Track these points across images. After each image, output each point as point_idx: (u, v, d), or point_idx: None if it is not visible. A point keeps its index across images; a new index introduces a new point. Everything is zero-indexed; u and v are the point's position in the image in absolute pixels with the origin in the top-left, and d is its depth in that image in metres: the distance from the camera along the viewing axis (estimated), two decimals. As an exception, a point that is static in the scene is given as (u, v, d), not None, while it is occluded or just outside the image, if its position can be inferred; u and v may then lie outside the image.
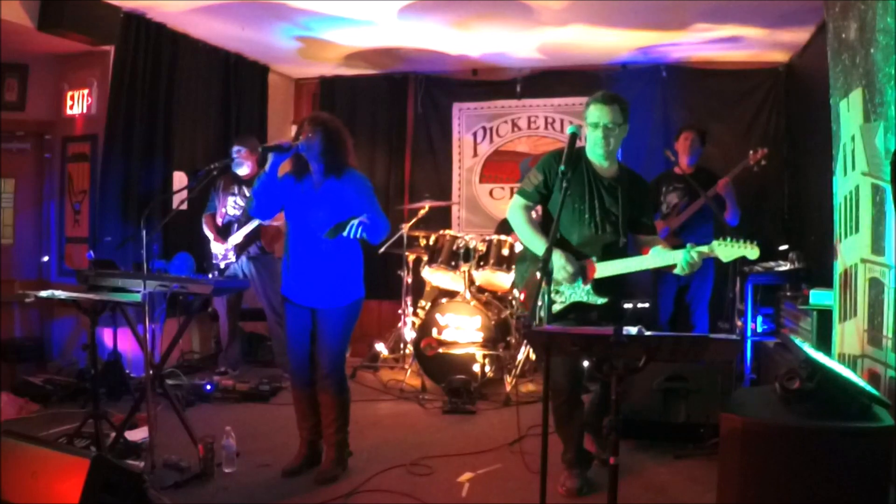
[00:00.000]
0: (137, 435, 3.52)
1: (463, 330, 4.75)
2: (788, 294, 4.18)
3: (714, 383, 3.50)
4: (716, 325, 5.12)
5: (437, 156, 6.57)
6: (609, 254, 2.99)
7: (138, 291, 3.26)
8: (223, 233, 5.06)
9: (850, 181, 3.02)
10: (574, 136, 2.74)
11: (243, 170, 5.00)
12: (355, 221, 2.98)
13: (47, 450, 2.46)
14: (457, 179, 6.57)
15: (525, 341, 4.74)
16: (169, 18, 5.06)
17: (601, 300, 2.97)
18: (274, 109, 6.55)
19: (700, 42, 5.35)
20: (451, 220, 6.47)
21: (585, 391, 3.30)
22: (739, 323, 4.62)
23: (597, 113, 2.96)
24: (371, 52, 5.88)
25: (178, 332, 3.66)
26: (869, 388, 2.38)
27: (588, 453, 3.20)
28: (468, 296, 4.87)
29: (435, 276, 5.22)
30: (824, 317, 3.47)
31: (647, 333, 2.00)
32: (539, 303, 2.55)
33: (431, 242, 5.15)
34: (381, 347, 5.58)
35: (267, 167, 3.14)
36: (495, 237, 4.98)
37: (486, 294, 5.13)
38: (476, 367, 4.68)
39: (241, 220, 4.98)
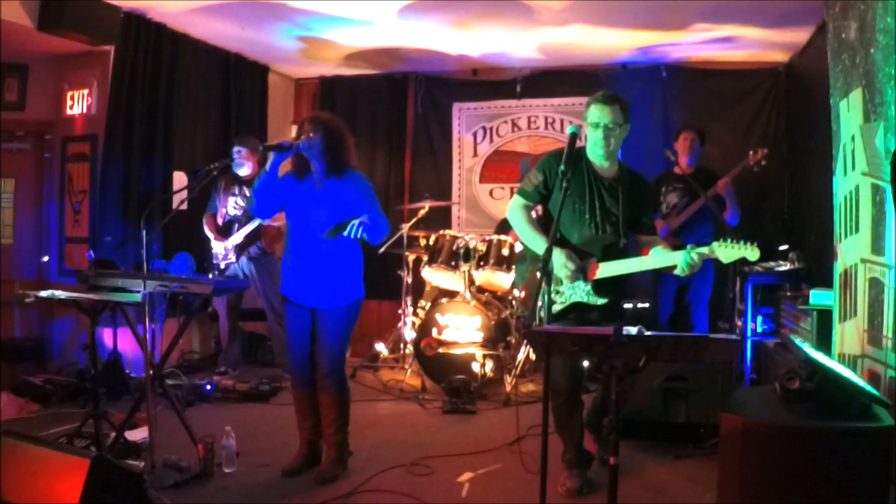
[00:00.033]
0: (137, 435, 3.52)
1: (463, 330, 4.75)
2: (788, 294, 4.18)
3: (714, 383, 3.50)
4: (716, 325, 5.12)
5: (437, 156, 6.57)
6: (609, 254, 2.99)
7: (138, 291, 3.26)
8: (224, 232, 5.06)
9: (850, 181, 3.02)
10: (574, 136, 2.74)
11: (244, 170, 5.00)
12: (356, 222, 2.98)
13: (47, 450, 2.46)
14: (457, 179, 6.57)
15: (525, 341, 4.74)
16: (169, 18, 5.06)
17: (601, 300, 2.97)
18: (274, 109, 6.55)
19: (700, 42, 5.35)
20: (451, 220, 6.47)
21: (585, 391, 3.30)
22: (739, 323, 4.62)
23: (597, 113, 2.96)
24: (371, 52, 5.88)
25: (178, 332, 3.66)
26: (869, 388, 2.38)
27: (588, 453, 3.20)
28: (468, 296, 4.87)
29: (435, 276, 5.22)
30: (824, 317, 3.47)
31: (647, 333, 2.00)
32: (539, 303, 2.55)
33: (431, 242, 5.15)
34: (381, 347, 5.58)
35: (267, 166, 3.14)
36: (495, 237, 4.98)
37: (486, 294, 5.13)
38: (476, 367, 4.68)
39: (242, 221, 4.99)
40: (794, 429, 2.24)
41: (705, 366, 3.52)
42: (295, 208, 3.23)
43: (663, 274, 4.74)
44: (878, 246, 2.73)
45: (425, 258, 5.12)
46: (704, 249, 2.75)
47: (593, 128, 2.98)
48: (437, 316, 4.82)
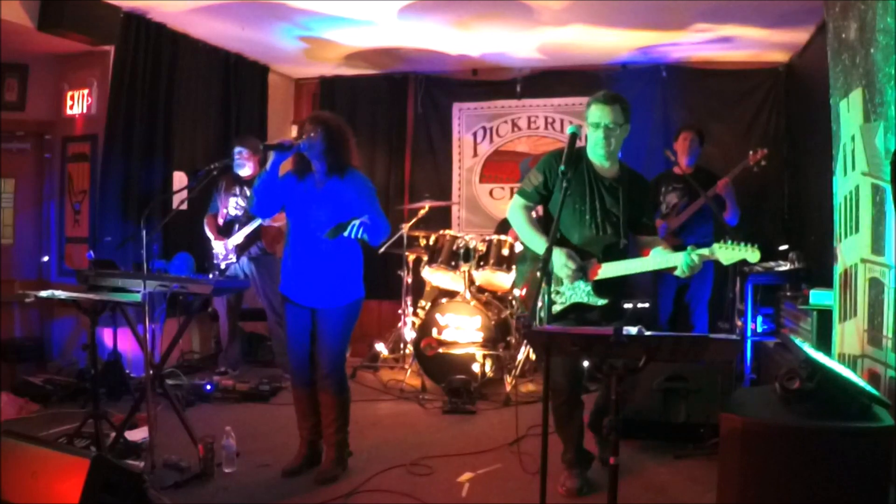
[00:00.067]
0: (137, 435, 3.52)
1: (463, 330, 4.75)
2: (788, 294, 4.18)
3: (714, 383, 3.49)
4: (716, 324, 5.12)
5: (437, 156, 6.58)
6: (610, 255, 2.98)
7: (138, 291, 3.26)
8: (224, 233, 5.06)
9: (850, 181, 3.02)
10: (574, 136, 2.73)
11: (245, 170, 5.00)
12: (356, 222, 2.98)
13: (47, 450, 2.46)
14: (457, 179, 6.57)
15: (525, 341, 4.74)
16: (169, 18, 5.06)
17: (601, 301, 2.96)
18: (274, 109, 6.55)
19: (700, 42, 5.35)
20: (451, 220, 6.47)
21: (585, 391, 3.30)
22: (739, 323, 4.62)
23: (598, 113, 2.95)
24: (371, 52, 5.88)
25: (178, 332, 3.66)
26: (869, 388, 2.38)
27: (588, 453, 3.20)
28: (468, 296, 4.87)
29: (435, 276, 5.22)
30: (824, 317, 3.47)
31: (647, 333, 2.00)
32: (539, 303, 2.55)
33: (431, 242, 5.15)
34: (381, 347, 5.58)
35: (268, 166, 3.14)
36: (495, 237, 4.98)
37: (486, 294, 5.13)
38: (476, 367, 4.68)
39: (243, 221, 4.99)
40: (794, 429, 2.24)
41: (705, 366, 3.52)
42: (295, 208, 3.23)
43: (663, 274, 4.74)
44: (878, 246, 2.73)
45: (425, 258, 5.12)
46: (705, 251, 2.75)
47: (594, 128, 2.98)
48: (437, 316, 4.82)
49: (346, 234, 2.97)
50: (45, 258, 5.34)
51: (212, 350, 5.71)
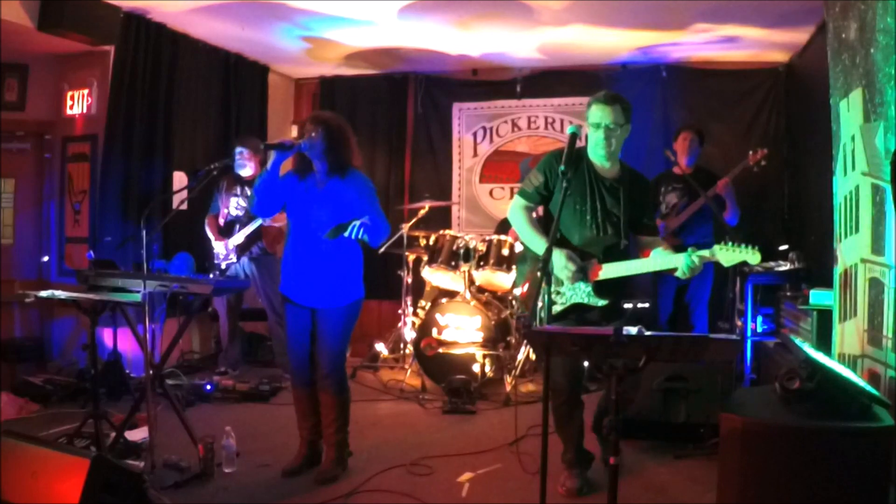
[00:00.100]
0: (137, 435, 3.52)
1: (463, 330, 4.75)
2: (788, 294, 4.19)
3: (714, 383, 3.50)
4: (716, 324, 5.12)
5: (437, 156, 6.58)
6: (610, 255, 2.97)
7: (138, 291, 3.26)
8: (225, 233, 5.06)
9: (850, 181, 3.02)
10: (574, 136, 2.73)
11: (246, 171, 5.01)
12: (357, 223, 2.98)
13: (47, 450, 2.46)
14: (457, 179, 6.57)
15: (525, 341, 4.74)
16: (169, 18, 5.06)
17: (602, 302, 2.96)
18: (274, 109, 6.55)
19: (700, 42, 5.35)
20: (451, 220, 6.47)
21: (585, 391, 3.30)
22: (739, 323, 4.62)
23: (598, 113, 2.94)
24: (371, 52, 5.88)
25: (178, 332, 3.66)
26: (869, 388, 2.38)
27: (588, 453, 3.20)
28: (468, 296, 4.87)
29: (435, 276, 5.22)
30: (824, 317, 3.47)
31: (647, 333, 2.00)
32: (539, 303, 2.55)
33: (431, 242, 5.15)
34: (381, 347, 5.58)
35: (269, 165, 3.14)
36: (495, 237, 4.98)
37: (486, 294, 5.13)
38: (476, 367, 4.68)
39: (244, 221, 4.99)
40: (794, 429, 2.24)
41: (705, 366, 3.52)
42: (296, 207, 3.23)
43: (663, 274, 4.71)
44: (878, 246, 2.73)
45: (425, 258, 5.12)
46: (706, 252, 2.75)
47: (594, 128, 2.97)
48: (437, 316, 4.82)
49: (346, 234, 2.97)
50: (45, 258, 5.34)
51: (212, 350, 5.71)
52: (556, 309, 3.00)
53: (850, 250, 3.01)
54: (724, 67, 5.75)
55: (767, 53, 5.56)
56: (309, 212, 3.19)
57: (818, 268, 4.17)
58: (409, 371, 5.07)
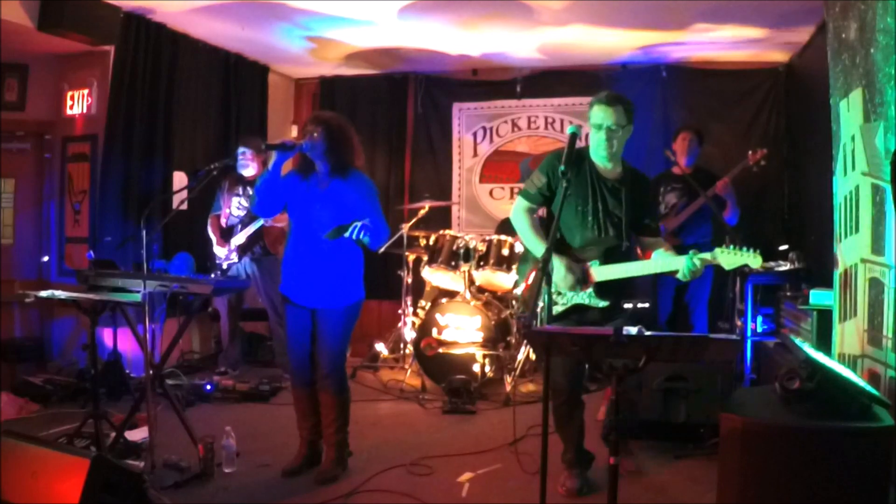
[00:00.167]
0: (137, 435, 3.52)
1: (463, 330, 4.75)
2: (788, 294, 4.18)
3: (714, 383, 3.49)
4: (716, 324, 5.12)
5: (437, 156, 6.57)
6: (611, 257, 2.96)
7: (138, 291, 3.26)
8: (227, 235, 5.06)
9: (850, 181, 3.02)
10: (574, 136, 2.72)
11: (248, 171, 5.01)
12: (358, 224, 2.97)
13: (47, 450, 2.46)
14: (457, 179, 6.57)
15: (525, 341, 4.74)
16: (169, 18, 5.06)
17: (603, 303, 2.96)
18: (274, 109, 6.55)
19: (700, 42, 5.35)
20: (451, 220, 6.46)
21: (585, 391, 3.30)
22: (739, 323, 4.62)
23: (600, 114, 2.93)
24: (371, 52, 5.88)
25: (178, 332, 3.66)
26: (869, 388, 2.38)
27: (588, 453, 3.20)
28: (468, 296, 4.87)
29: (435, 276, 5.22)
30: (824, 317, 3.47)
31: (647, 333, 2.00)
32: (540, 304, 2.55)
33: (431, 242, 5.16)
34: (381, 347, 5.58)
35: (270, 165, 3.14)
36: (495, 237, 4.98)
37: (486, 294, 5.13)
38: (476, 367, 4.68)
39: (245, 221, 4.99)
40: (794, 429, 2.24)
41: (705, 366, 3.52)
42: (298, 207, 3.23)
43: (663, 274, 4.74)
44: (878, 246, 2.73)
45: (425, 258, 5.12)
46: (707, 255, 2.75)
47: (596, 129, 2.95)
48: (437, 316, 4.82)
49: (346, 234, 2.97)
50: (45, 258, 5.34)
51: (212, 350, 5.70)
52: (557, 309, 2.99)
53: (850, 250, 3.01)
54: (724, 67, 5.75)
55: (767, 53, 5.56)
56: (310, 212, 3.18)
57: (818, 268, 4.17)
58: (409, 371, 5.07)
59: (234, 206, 5.06)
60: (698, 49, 5.54)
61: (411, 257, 5.47)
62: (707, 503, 2.86)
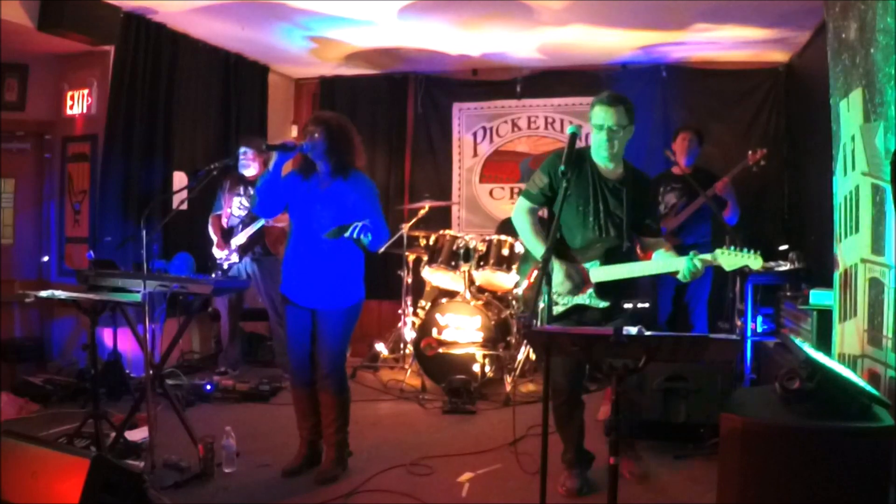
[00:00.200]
0: (137, 435, 3.52)
1: (463, 330, 4.75)
2: (788, 294, 4.18)
3: (714, 383, 3.50)
4: (716, 324, 5.12)
5: (437, 156, 6.58)
6: (612, 257, 2.95)
7: (138, 291, 3.26)
8: (227, 235, 5.06)
9: (850, 181, 3.02)
10: (574, 136, 2.72)
11: (250, 171, 5.01)
12: (359, 225, 2.97)
13: (47, 450, 2.46)
14: (457, 179, 6.57)
15: (525, 341, 4.74)
16: (169, 18, 5.06)
17: (603, 303, 2.96)
18: (274, 109, 6.55)
19: (700, 42, 5.35)
20: (451, 220, 6.46)
21: (585, 391, 3.30)
22: (739, 323, 4.62)
23: (601, 115, 2.93)
24: (371, 52, 5.88)
25: (178, 332, 3.66)
26: (869, 388, 2.38)
27: (588, 453, 3.20)
28: (468, 296, 4.87)
29: (435, 276, 5.22)
30: (824, 317, 3.47)
31: (647, 333, 2.00)
32: (541, 305, 2.55)
33: (431, 242, 5.16)
34: (381, 347, 5.58)
35: (270, 166, 3.14)
36: (495, 237, 4.98)
37: (486, 294, 5.13)
38: (476, 367, 4.68)
39: (246, 221, 5.00)
40: (794, 429, 2.24)
41: (705, 366, 3.52)
42: (299, 207, 3.23)
43: (662, 274, 4.74)
44: (878, 246, 2.73)
45: (425, 258, 5.12)
46: (707, 256, 2.75)
47: (597, 129, 2.95)
48: (437, 316, 4.82)
49: (347, 234, 2.97)
50: (45, 258, 5.34)
51: (212, 350, 5.70)
52: (558, 310, 2.99)
53: (850, 250, 3.01)
54: (724, 67, 5.75)
55: (767, 53, 5.56)
56: (311, 212, 3.18)
57: (818, 268, 4.17)
58: (409, 371, 5.07)
59: (236, 205, 5.06)
60: (698, 49, 5.54)
61: (411, 257, 5.47)
62: (707, 503, 2.86)
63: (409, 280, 5.51)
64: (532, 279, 3.13)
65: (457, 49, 5.74)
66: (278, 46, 5.76)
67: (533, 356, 4.91)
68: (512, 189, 6.37)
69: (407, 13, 4.82)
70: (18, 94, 5.18)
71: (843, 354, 3.06)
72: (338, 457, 3.27)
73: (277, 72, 6.58)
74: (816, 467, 2.17)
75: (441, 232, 5.17)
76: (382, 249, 3.29)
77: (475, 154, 6.53)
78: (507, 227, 5.04)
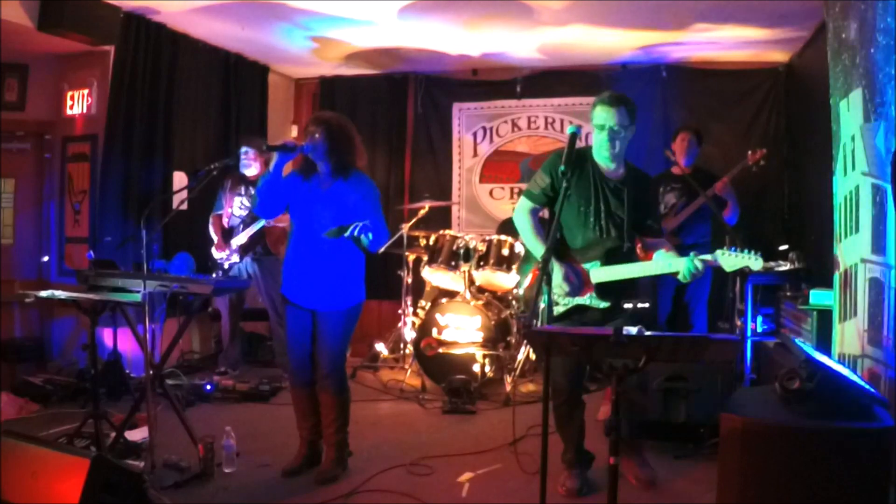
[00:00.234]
0: (137, 435, 3.52)
1: (463, 330, 4.75)
2: (788, 294, 4.18)
3: (714, 383, 3.49)
4: (716, 324, 5.12)
5: (437, 156, 6.58)
6: (612, 258, 2.95)
7: (138, 291, 3.26)
8: (228, 235, 5.06)
9: (850, 181, 3.02)
10: (574, 136, 2.72)
11: (251, 170, 5.02)
12: (359, 224, 2.97)
13: (47, 450, 2.46)
14: (457, 179, 6.57)
15: (525, 341, 4.74)
16: (169, 18, 5.06)
17: (604, 304, 2.95)
18: (274, 109, 6.55)
19: (700, 42, 5.35)
20: (451, 220, 6.47)
21: (585, 391, 3.30)
22: (739, 323, 4.61)
23: (603, 115, 2.92)
24: (371, 52, 5.88)
25: (178, 332, 3.66)
26: (869, 388, 2.38)
27: (588, 453, 3.20)
28: (468, 296, 4.87)
29: (435, 276, 5.22)
30: (824, 317, 3.47)
31: (647, 333, 2.00)
32: (541, 305, 2.55)
33: (431, 242, 5.16)
34: (381, 347, 5.58)
35: (271, 167, 3.14)
36: (495, 237, 4.98)
37: (486, 294, 5.13)
38: (476, 367, 4.68)
39: (247, 221, 5.00)
40: (794, 429, 2.24)
41: (705, 366, 3.52)
42: (299, 208, 3.23)
43: (663, 274, 4.74)
44: (878, 246, 2.73)
45: (425, 258, 5.12)
46: (708, 257, 2.75)
47: (599, 130, 2.95)
48: (437, 316, 4.82)
49: (346, 234, 2.96)
50: (45, 258, 5.34)
51: (212, 350, 5.70)
52: (559, 310, 2.99)
53: (850, 250, 3.01)
54: (724, 67, 5.75)
55: (767, 53, 5.56)
56: (312, 213, 3.18)
57: (818, 268, 4.17)
58: (409, 371, 5.07)
59: (237, 205, 5.06)
60: (698, 49, 5.54)
61: (411, 257, 5.47)
62: (707, 503, 2.86)
63: (409, 280, 5.51)
64: (531, 283, 3.13)
65: (457, 49, 5.74)
66: (278, 46, 5.76)
67: (533, 356, 4.91)
68: (512, 189, 6.37)
69: (407, 13, 4.82)
70: (18, 94, 5.18)
71: (843, 354, 3.06)
72: (338, 457, 3.27)
73: (277, 72, 6.58)
74: (816, 467, 2.17)
75: (441, 232, 5.17)
76: (382, 250, 3.28)
77: (475, 154, 6.53)
78: (507, 227, 5.05)
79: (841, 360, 3.02)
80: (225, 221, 5.12)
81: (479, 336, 4.72)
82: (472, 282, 5.00)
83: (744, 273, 4.44)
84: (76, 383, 4.52)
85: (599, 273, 2.93)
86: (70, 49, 4.88)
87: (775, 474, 2.20)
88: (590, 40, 5.39)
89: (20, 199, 5.34)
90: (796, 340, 3.05)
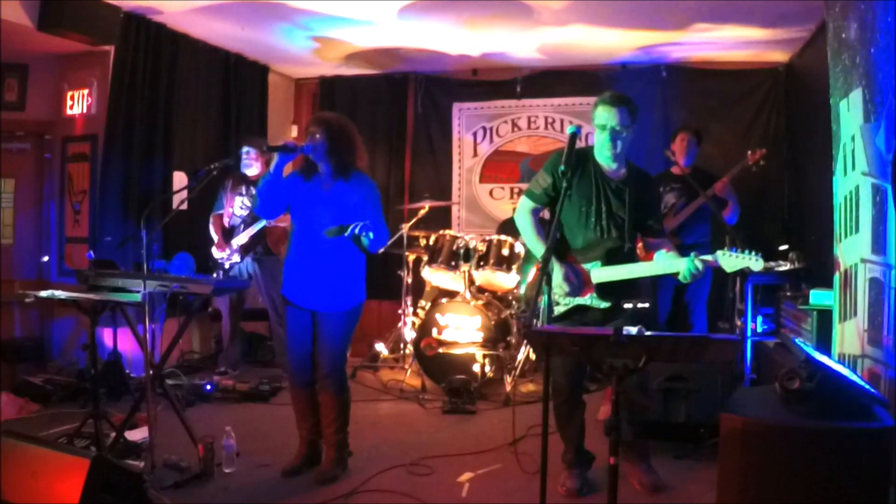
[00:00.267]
0: (137, 435, 3.52)
1: (463, 330, 4.75)
2: (788, 294, 4.18)
3: (714, 383, 3.50)
4: (716, 324, 5.12)
5: (437, 156, 6.58)
6: (613, 258, 2.95)
7: (138, 291, 3.26)
8: (229, 234, 5.06)
9: (850, 181, 3.02)
10: (574, 136, 2.72)
11: (252, 170, 5.02)
12: (360, 223, 2.97)
13: (47, 450, 2.46)
14: (457, 179, 6.57)
15: (525, 341, 4.74)
16: (169, 18, 5.06)
17: (604, 304, 2.95)
18: (274, 109, 6.55)
19: (700, 42, 5.35)
20: (451, 220, 6.46)
21: (585, 391, 3.29)
22: (739, 323, 4.61)
23: (604, 115, 2.92)
24: (371, 52, 5.88)
25: (178, 332, 3.66)
26: (869, 388, 2.38)
27: (588, 453, 3.19)
28: (468, 296, 4.87)
29: (435, 276, 5.22)
30: (824, 317, 3.46)
31: (647, 333, 2.00)
32: (541, 305, 2.55)
33: (431, 242, 5.16)
34: (381, 347, 5.58)
35: (272, 167, 3.14)
36: (495, 237, 4.98)
37: (486, 294, 5.13)
38: (476, 367, 4.68)
39: (248, 221, 5.00)
40: (794, 429, 2.24)
41: (705, 366, 3.52)
42: (300, 208, 3.23)
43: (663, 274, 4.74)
44: (878, 246, 2.73)
45: (425, 258, 5.12)
46: (708, 257, 2.75)
47: (600, 130, 2.95)
48: (437, 316, 4.82)
49: (346, 233, 2.96)
50: (45, 258, 5.34)
51: (212, 350, 5.70)
52: (560, 310, 2.99)
53: (850, 250, 3.01)
54: (724, 67, 5.75)
55: (767, 53, 5.56)
56: (313, 213, 3.18)
57: (818, 268, 4.17)
58: (409, 371, 5.07)
59: (237, 205, 5.07)
60: (698, 49, 5.54)
61: (411, 257, 5.47)
62: (707, 503, 2.86)
63: (409, 280, 5.51)
64: (532, 282, 3.13)
65: (457, 49, 5.74)
66: (278, 46, 5.76)
67: (533, 356, 4.91)
68: (512, 189, 6.37)
69: (407, 13, 4.82)
70: (18, 94, 5.18)
71: (843, 354, 3.06)
72: (338, 457, 3.27)
73: (277, 72, 6.58)
74: (816, 467, 2.17)
75: (441, 232, 5.17)
76: (382, 250, 3.28)
77: (475, 154, 6.53)
78: (507, 227, 5.05)
79: (841, 360, 3.02)
80: (226, 221, 5.12)
81: (479, 336, 4.72)
82: (472, 282, 5.00)
83: (744, 273, 4.45)
84: (76, 383, 4.52)
85: (600, 273, 2.93)
86: (70, 49, 4.88)
87: (775, 474, 2.20)
88: (590, 40, 5.39)
89: (20, 199, 5.34)
90: (796, 340, 3.04)
